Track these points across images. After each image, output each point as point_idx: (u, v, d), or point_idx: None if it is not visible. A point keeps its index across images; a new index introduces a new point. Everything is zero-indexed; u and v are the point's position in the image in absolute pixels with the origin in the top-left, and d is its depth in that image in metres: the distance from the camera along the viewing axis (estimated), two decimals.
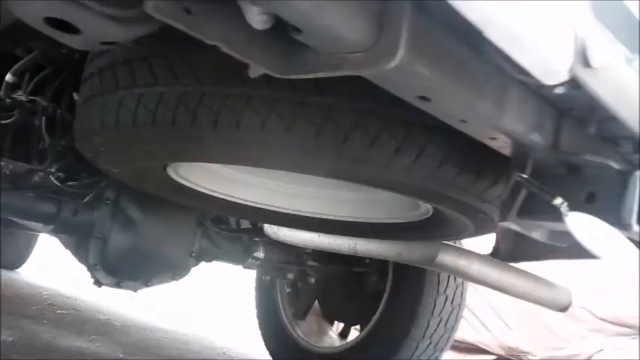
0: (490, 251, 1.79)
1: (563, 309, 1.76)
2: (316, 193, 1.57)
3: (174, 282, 1.81)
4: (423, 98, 0.71)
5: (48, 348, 1.78)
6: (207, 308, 4.63)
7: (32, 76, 1.36)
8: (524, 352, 4.44)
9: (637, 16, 0.86)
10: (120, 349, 2.08)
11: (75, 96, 1.33)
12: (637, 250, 0.83)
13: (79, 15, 0.72)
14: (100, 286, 1.65)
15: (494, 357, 4.53)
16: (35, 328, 2.04)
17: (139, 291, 1.74)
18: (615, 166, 0.85)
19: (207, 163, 1.38)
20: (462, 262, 1.66)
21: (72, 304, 3.00)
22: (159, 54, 0.94)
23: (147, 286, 1.73)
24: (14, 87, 1.33)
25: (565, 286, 1.74)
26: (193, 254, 1.83)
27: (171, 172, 1.27)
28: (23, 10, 0.74)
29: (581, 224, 0.82)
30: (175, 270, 1.79)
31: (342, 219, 1.56)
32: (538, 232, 1.04)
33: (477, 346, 4.29)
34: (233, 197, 1.48)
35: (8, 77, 1.28)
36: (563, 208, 0.84)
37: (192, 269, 1.90)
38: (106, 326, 2.60)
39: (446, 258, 1.66)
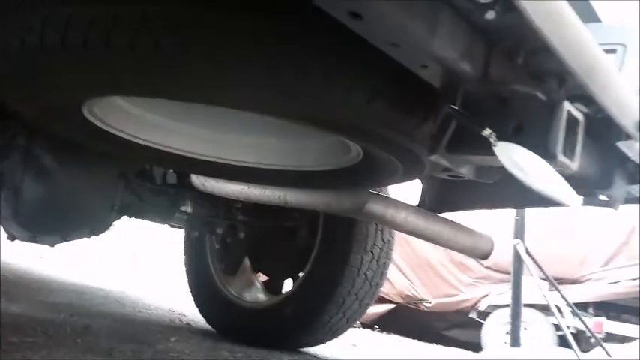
0: (417, 202, 1.82)
1: (486, 255, 1.81)
2: (244, 140, 1.52)
3: (93, 237, 1.72)
4: (355, 15, 0.68)
5: None
6: (140, 267, 4.52)
7: None
8: (420, 300, 4.81)
9: None
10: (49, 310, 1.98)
11: None
12: (561, 178, 0.84)
13: None
14: (12, 240, 1.55)
15: (394, 305, 4.82)
16: None
17: (55, 245, 1.65)
18: (542, 97, 0.86)
19: (127, 104, 1.30)
20: (390, 212, 1.67)
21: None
22: None
23: (65, 240, 1.64)
24: None
25: (487, 234, 1.79)
26: (115, 208, 1.75)
27: (86, 111, 1.18)
28: None
29: (509, 154, 0.83)
30: (95, 224, 1.71)
31: (272, 167, 1.52)
32: (466, 168, 1.05)
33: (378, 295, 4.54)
34: (155, 144, 1.41)
35: None
36: (492, 138, 0.84)
37: (114, 224, 1.83)
38: (36, 292, 2.47)
39: (375, 207, 1.66)
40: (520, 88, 0.84)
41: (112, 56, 0.84)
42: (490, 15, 0.74)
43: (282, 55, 0.84)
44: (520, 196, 1.43)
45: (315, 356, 2.16)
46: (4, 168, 1.47)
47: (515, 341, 2.96)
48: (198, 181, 1.82)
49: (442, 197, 1.77)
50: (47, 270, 3.21)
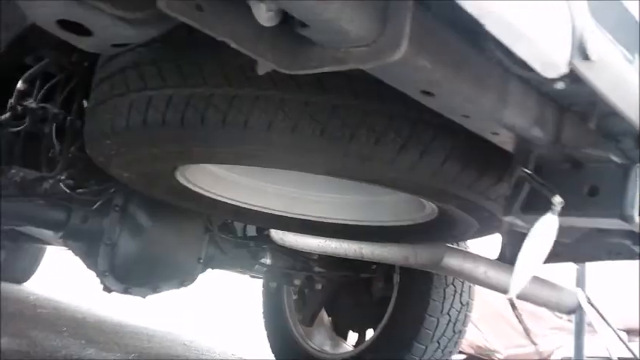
0: (497, 255, 1.80)
1: (571, 311, 1.76)
2: (321, 196, 1.58)
3: (181, 288, 1.82)
4: (427, 93, 0.73)
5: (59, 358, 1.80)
6: (216, 316, 4.64)
7: (42, 83, 1.38)
8: (491, 351, 4.62)
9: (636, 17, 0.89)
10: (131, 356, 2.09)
11: (85, 103, 1.36)
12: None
13: (91, 17, 0.74)
14: (109, 292, 1.67)
15: (465, 356, 4.65)
16: (46, 339, 2.06)
17: (147, 297, 1.75)
18: (616, 159, 0.87)
19: (215, 167, 1.40)
20: (468, 265, 1.67)
21: (81, 314, 3.02)
22: (167, 57, 0.96)
23: (155, 292, 1.75)
24: (25, 95, 1.36)
25: (571, 289, 1.74)
26: (201, 260, 1.85)
27: (179, 176, 1.29)
28: (36, 12, 0.77)
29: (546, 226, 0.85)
30: (183, 276, 1.81)
31: (348, 222, 1.57)
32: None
33: None
34: (239, 202, 1.50)
35: (19, 85, 1.31)
36: (558, 207, 0.85)
37: (200, 276, 1.92)
38: (113, 335, 2.62)
39: (452, 261, 1.67)
40: (593, 152, 0.86)
41: (207, 132, 0.93)
42: (560, 85, 0.77)
43: (361, 127, 0.90)
44: (601, 250, 1.40)
45: None
46: (103, 225, 1.60)
47: None
48: (276, 235, 1.89)
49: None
50: (125, 315, 3.37)
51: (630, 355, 3.18)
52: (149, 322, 3.38)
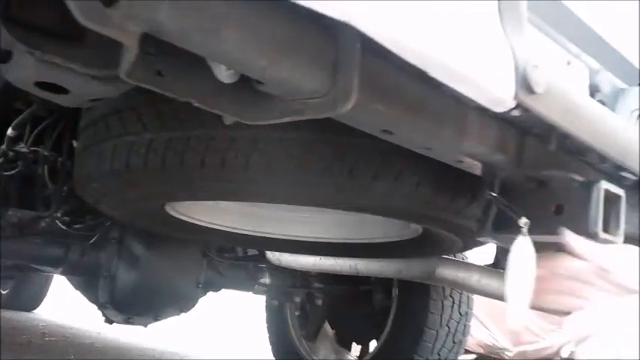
0: (492, 262, 1.84)
1: (566, 312, 1.79)
2: (312, 217, 1.62)
3: (182, 314, 1.86)
4: (386, 131, 0.77)
5: None
6: (222, 334, 4.67)
7: (32, 127, 1.43)
8: (500, 349, 4.65)
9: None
10: None
11: (74, 143, 1.40)
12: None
13: (65, 77, 0.79)
14: (111, 324, 1.71)
15: (474, 356, 4.67)
16: None
17: (148, 325, 1.80)
18: (578, 178, 0.90)
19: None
20: (461, 275, 1.71)
21: (90, 340, 3.06)
22: (146, 103, 1.00)
23: (156, 320, 1.79)
24: (16, 140, 1.40)
25: None
26: (200, 285, 1.89)
27: (169, 209, 1.33)
28: (15, 76, 0.81)
29: (521, 249, 0.88)
30: (183, 302, 1.85)
31: (339, 241, 1.61)
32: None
33: None
34: (229, 228, 1.54)
35: (10, 132, 1.35)
36: (525, 229, 0.89)
37: (200, 299, 1.96)
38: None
39: (445, 271, 1.70)
40: (555, 172, 0.89)
41: (187, 173, 0.98)
42: (515, 113, 0.81)
43: (335, 162, 0.94)
44: None
45: None
46: (100, 259, 1.64)
47: None
48: (273, 256, 1.93)
49: None
50: (132, 338, 3.41)
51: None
52: (156, 344, 3.42)
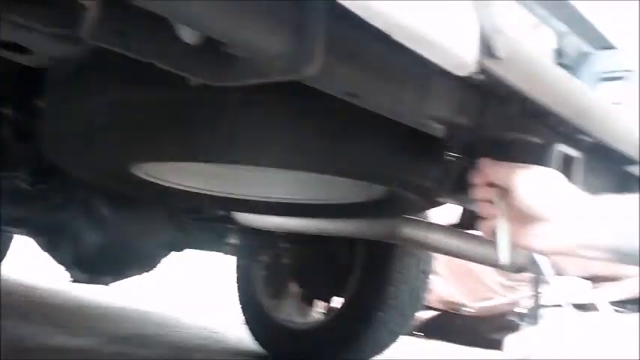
0: (457, 221, 1.89)
1: (521, 270, 1.87)
2: (279, 178, 1.63)
3: (147, 273, 1.87)
4: (352, 94, 0.78)
5: (37, 348, 1.83)
6: (194, 293, 4.71)
7: None
8: (461, 305, 4.86)
9: None
10: (106, 340, 2.14)
11: (39, 103, 1.37)
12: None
13: (28, 37, 0.77)
14: (74, 282, 1.71)
15: (435, 312, 4.87)
16: (20, 327, 2.09)
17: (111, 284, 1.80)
18: (537, 140, 0.94)
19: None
20: (421, 234, 1.75)
21: (58, 300, 3.05)
22: (110, 64, 0.99)
23: (120, 279, 1.79)
24: None
25: (518, 249, 1.84)
26: (165, 245, 1.89)
27: (135, 170, 1.32)
28: None
29: None
30: (146, 262, 1.85)
31: (305, 202, 1.63)
32: (475, 204, 1.13)
33: None
34: (196, 189, 1.54)
35: None
36: None
37: (165, 258, 1.97)
38: (85, 319, 2.66)
39: (408, 231, 1.74)
40: (514, 135, 0.92)
41: (152, 134, 0.97)
42: (478, 77, 0.83)
43: (300, 124, 0.95)
44: None
45: None
46: (65, 220, 1.63)
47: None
48: (240, 216, 1.94)
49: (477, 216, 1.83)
50: (101, 298, 3.41)
51: (585, 302, 3.36)
52: (126, 303, 3.43)
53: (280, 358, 2.23)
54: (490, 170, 0.87)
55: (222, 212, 2.09)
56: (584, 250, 0.79)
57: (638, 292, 4.34)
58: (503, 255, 0.87)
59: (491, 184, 0.88)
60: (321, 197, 1.59)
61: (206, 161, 1.16)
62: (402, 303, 2.12)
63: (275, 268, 2.38)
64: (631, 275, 4.63)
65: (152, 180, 1.44)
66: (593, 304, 3.53)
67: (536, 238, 0.82)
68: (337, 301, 2.30)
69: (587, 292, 3.64)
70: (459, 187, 1.00)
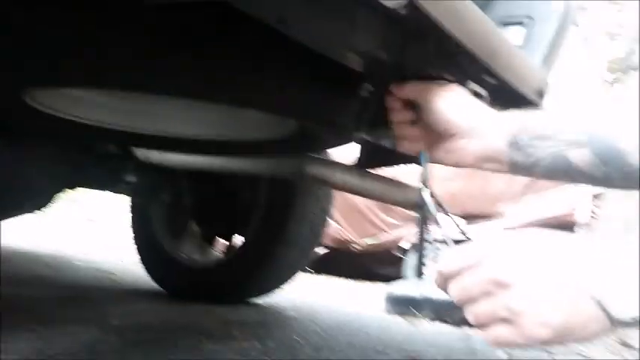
0: (355, 161, 1.94)
1: (415, 206, 1.96)
2: (184, 113, 1.58)
3: (38, 211, 1.76)
4: (280, 20, 0.76)
5: None
6: (88, 234, 4.51)
7: None
8: (350, 242, 5.19)
9: None
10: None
11: None
12: None
13: None
14: None
15: (327, 249, 5.13)
16: None
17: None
18: (450, 78, 0.98)
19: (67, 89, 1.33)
20: (326, 173, 1.79)
21: None
22: None
23: (10, 217, 1.67)
24: None
25: (415, 186, 1.93)
26: (55, 182, 1.78)
27: (29, 99, 1.22)
28: None
29: None
30: (36, 200, 1.74)
31: (211, 139, 1.59)
32: (388, 140, 1.17)
33: None
34: (93, 121, 1.45)
35: None
36: None
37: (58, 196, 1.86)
38: None
39: (312, 170, 1.77)
40: (432, 72, 0.95)
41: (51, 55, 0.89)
42: (403, 11, 0.84)
43: (215, 52, 0.92)
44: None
45: (261, 305, 2.30)
46: None
47: (419, 273, 3.23)
48: (140, 152, 1.87)
49: (375, 155, 1.89)
50: None
51: (464, 238, 3.66)
52: (18, 244, 3.23)
53: (180, 297, 2.21)
54: (406, 89, 0.89)
55: (119, 148, 2.00)
56: (490, 164, 0.84)
57: (505, 226, 4.80)
58: (424, 175, 0.92)
59: (407, 104, 0.90)
60: (230, 134, 1.57)
61: (108, 88, 1.09)
62: (302, 239, 2.17)
63: (175, 207, 2.33)
64: (501, 212, 5.10)
65: (47, 111, 1.33)
66: (469, 240, 3.85)
67: (449, 153, 0.87)
68: (239, 239, 2.31)
69: (463, 229, 3.95)
70: (374, 123, 1.03)
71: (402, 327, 2.22)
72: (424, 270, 3.51)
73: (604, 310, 0.52)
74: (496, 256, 0.56)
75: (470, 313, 0.57)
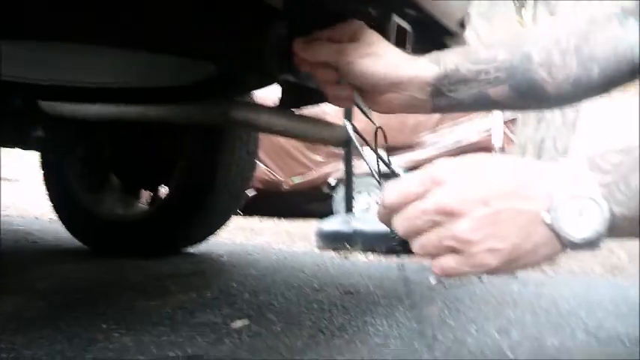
0: (278, 102, 1.90)
1: (341, 143, 1.97)
2: (96, 61, 1.47)
3: None
4: None
5: None
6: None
7: None
8: (278, 182, 5.27)
9: None
10: None
11: None
12: None
13: None
14: None
15: (255, 191, 5.18)
16: None
17: None
18: (373, 12, 0.95)
19: None
20: (251, 116, 1.74)
21: None
22: None
23: None
24: None
25: (341, 124, 1.93)
26: None
27: None
28: None
29: None
30: None
31: (129, 86, 1.50)
32: (312, 80, 1.14)
33: None
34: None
35: None
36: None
37: None
38: None
39: (236, 114, 1.72)
40: (355, 5, 0.92)
41: None
42: None
43: None
44: None
45: (194, 254, 2.27)
46: None
47: (348, 207, 3.32)
48: (47, 105, 1.74)
49: (299, 95, 1.85)
50: None
51: (391, 170, 3.75)
52: None
53: (107, 253, 2.14)
54: (318, 52, 0.86)
55: (25, 102, 1.85)
56: (416, 109, 0.84)
57: (424, 156, 4.97)
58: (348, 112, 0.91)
59: (326, 64, 0.87)
60: (147, 81, 1.48)
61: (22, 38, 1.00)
62: (231, 185, 2.14)
63: (92, 161, 2.22)
64: (421, 142, 5.27)
65: None
66: (393, 171, 3.94)
67: (377, 105, 0.86)
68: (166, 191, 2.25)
69: (389, 161, 4.06)
70: (293, 64, 0.99)
71: (336, 262, 2.27)
72: (353, 204, 3.61)
73: (555, 233, 0.52)
74: (441, 185, 0.54)
75: (416, 245, 0.56)
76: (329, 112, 4.18)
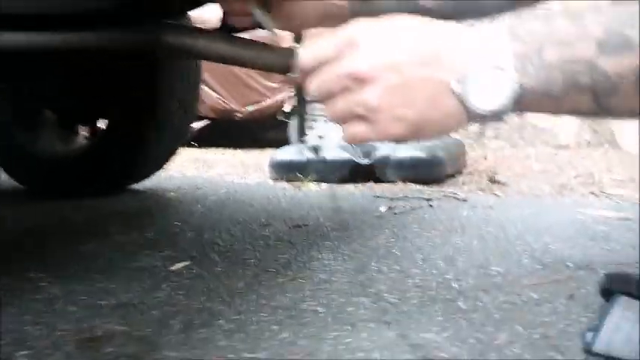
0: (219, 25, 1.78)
1: (288, 69, 1.87)
2: None
3: None
4: None
5: None
6: None
7: None
8: (231, 111, 5.19)
9: None
10: None
11: None
12: None
13: None
14: None
15: (208, 121, 5.09)
16: None
17: None
18: None
19: None
20: (188, 41, 1.62)
21: None
22: None
23: None
24: None
25: (288, 48, 1.82)
26: None
27: None
28: None
29: None
30: None
31: (48, 12, 1.36)
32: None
33: None
34: None
35: None
36: None
37: None
38: None
39: (171, 39, 1.59)
40: None
41: None
42: None
43: None
44: None
45: (139, 191, 2.19)
46: None
47: (301, 135, 3.28)
48: None
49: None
50: None
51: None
52: None
53: (45, 193, 2.04)
54: None
55: None
56: (332, 21, 0.82)
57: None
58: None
59: None
60: (68, 7, 1.34)
61: None
62: (174, 117, 2.04)
63: (22, 96, 2.07)
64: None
65: None
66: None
67: (284, 17, 0.86)
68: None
69: None
70: None
71: (288, 194, 2.22)
72: (306, 132, 3.53)
73: (462, 103, 0.51)
74: (355, 48, 0.53)
75: (328, 110, 0.56)
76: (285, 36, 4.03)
